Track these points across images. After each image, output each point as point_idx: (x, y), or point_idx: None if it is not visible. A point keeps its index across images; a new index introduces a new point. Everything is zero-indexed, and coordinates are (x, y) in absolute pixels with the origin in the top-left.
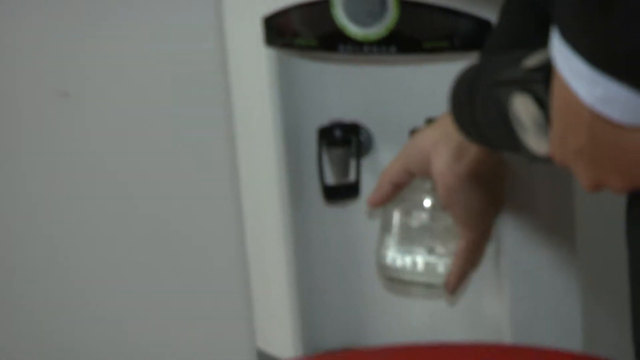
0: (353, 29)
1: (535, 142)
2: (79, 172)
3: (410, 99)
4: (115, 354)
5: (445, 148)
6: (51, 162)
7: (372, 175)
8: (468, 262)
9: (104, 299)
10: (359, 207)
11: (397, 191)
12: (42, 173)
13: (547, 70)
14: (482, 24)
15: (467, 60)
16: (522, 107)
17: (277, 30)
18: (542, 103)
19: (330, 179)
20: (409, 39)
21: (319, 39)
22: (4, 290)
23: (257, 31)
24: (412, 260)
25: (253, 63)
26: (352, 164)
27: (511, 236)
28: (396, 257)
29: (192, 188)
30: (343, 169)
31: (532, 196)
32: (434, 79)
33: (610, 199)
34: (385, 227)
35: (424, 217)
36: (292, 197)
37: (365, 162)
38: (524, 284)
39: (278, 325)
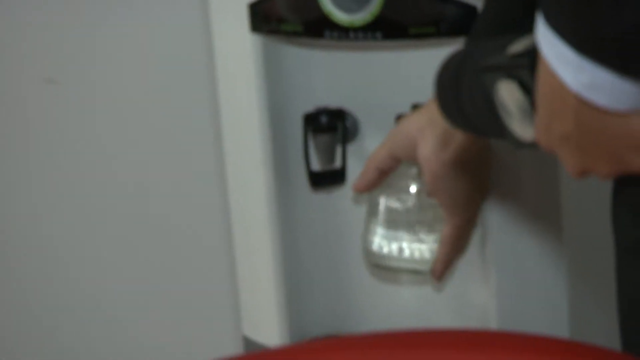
0: (339, 15)
1: (521, 128)
2: (65, 159)
3: (396, 85)
4: (101, 342)
5: (431, 134)
6: (37, 149)
7: (358, 162)
8: (454, 248)
9: (88, 286)
10: (345, 193)
11: (383, 177)
12: (28, 160)
13: (532, 56)
14: (468, 10)
15: (453, 46)
16: (508, 93)
17: (262, 16)
18: (528, 89)
19: (316, 165)
20: (395, 25)
21: (305, 25)
22: None
23: (242, 17)
24: (399, 247)
25: (238, 49)
26: (338, 150)
27: (497, 223)
28: (382, 243)
29: (177, 175)
30: (329, 155)
31: (518, 183)
32: (420, 65)
33: (596, 185)
34: (371, 213)
35: (410, 203)
36: (277, 183)
37: (351, 148)
38: (510, 271)
39: (264, 313)
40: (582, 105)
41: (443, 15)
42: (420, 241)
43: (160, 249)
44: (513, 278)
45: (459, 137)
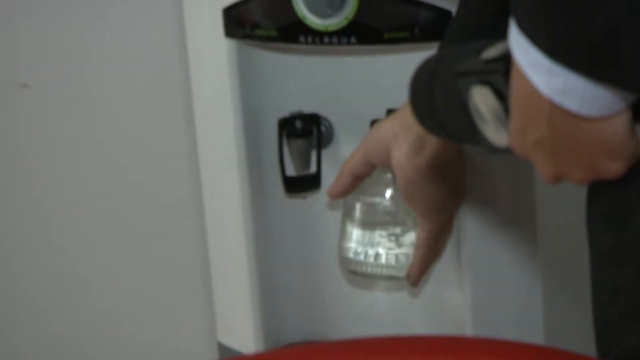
0: (313, 20)
1: (495, 134)
2: (38, 163)
3: (371, 90)
4: (74, 346)
5: (404, 140)
6: (11, 153)
7: (333, 167)
8: (429, 253)
9: (62, 293)
10: (320, 199)
11: (358, 182)
12: (2, 163)
13: (506, 62)
14: (442, 14)
15: (428, 50)
16: (481, 98)
17: (237, 21)
18: (502, 94)
19: (291, 170)
20: (369, 30)
21: (279, 30)
22: None
23: (217, 22)
24: (374, 253)
25: (213, 54)
26: (313, 155)
27: (472, 228)
28: (358, 249)
29: (151, 180)
30: (304, 160)
31: (493, 188)
32: (395, 70)
33: (571, 190)
34: (347, 219)
35: (385, 208)
36: (252, 188)
37: (326, 153)
38: (485, 276)
39: (239, 318)
40: (555, 110)
41: (417, 20)
42: (396, 246)
43: (134, 254)
44: (488, 283)
45: (432, 142)
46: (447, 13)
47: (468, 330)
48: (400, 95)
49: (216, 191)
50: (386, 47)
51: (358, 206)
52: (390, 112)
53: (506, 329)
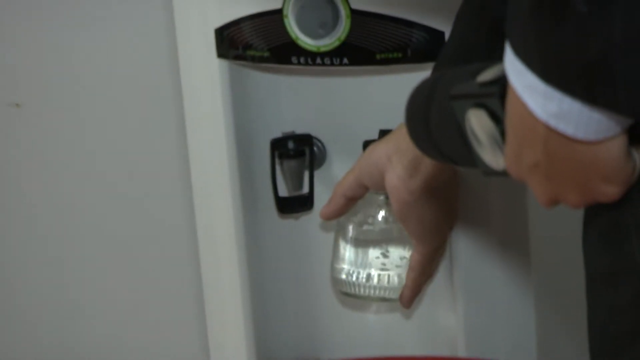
0: (305, 41)
1: (491, 157)
2: (30, 180)
3: (363, 111)
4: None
5: (399, 163)
6: (3, 171)
7: (325, 188)
8: (422, 275)
9: (58, 314)
10: (312, 219)
11: (351, 204)
12: None
13: (502, 85)
14: (435, 35)
15: (421, 71)
16: (477, 121)
17: (229, 41)
18: (497, 117)
19: (284, 191)
20: (362, 51)
21: (271, 51)
22: None
23: (209, 43)
24: (367, 275)
25: (205, 75)
26: (306, 175)
27: (465, 249)
28: (350, 270)
29: (144, 200)
30: (296, 181)
31: (486, 210)
32: (387, 91)
33: (564, 212)
34: (339, 241)
35: (377, 230)
36: (245, 209)
37: (319, 174)
38: (478, 297)
39: (231, 338)
40: (551, 134)
41: (410, 40)
42: (389, 268)
43: (126, 272)
44: (481, 304)
45: (427, 164)
46: (440, 34)
47: (461, 351)
48: (393, 116)
49: (208, 211)
50: (378, 68)
51: (350, 227)
52: (383, 133)
53: (499, 350)
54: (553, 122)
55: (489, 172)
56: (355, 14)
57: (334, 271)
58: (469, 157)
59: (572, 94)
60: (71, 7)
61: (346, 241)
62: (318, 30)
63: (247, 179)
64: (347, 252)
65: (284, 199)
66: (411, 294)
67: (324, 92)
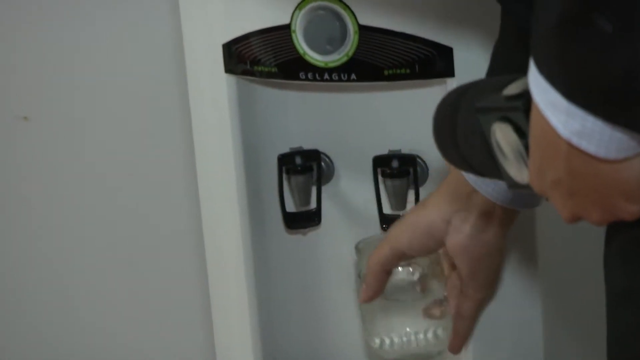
0: (313, 56)
1: (516, 171)
2: (39, 195)
3: (371, 126)
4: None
5: (464, 223)
6: (12, 184)
7: (333, 203)
8: (475, 322)
9: (68, 315)
10: (320, 234)
11: (388, 277)
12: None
13: (527, 98)
14: (443, 51)
15: (428, 87)
16: (502, 135)
17: (236, 57)
18: (522, 132)
19: (291, 206)
20: (370, 67)
21: (279, 66)
22: None
23: (216, 58)
24: (404, 339)
25: (213, 90)
26: (313, 191)
27: None
28: (385, 338)
29: (152, 213)
30: (304, 196)
31: None
32: (395, 106)
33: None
34: (368, 313)
35: (409, 296)
36: (252, 223)
37: (326, 190)
38: (486, 310)
39: (238, 348)
40: (573, 151)
41: (417, 56)
42: (425, 329)
43: (136, 283)
44: (489, 318)
45: (499, 213)
46: (447, 49)
47: (467, 353)
48: (401, 132)
49: (216, 226)
50: (386, 84)
51: (380, 299)
52: (391, 155)
53: (506, 350)
54: (575, 140)
55: (514, 185)
56: (363, 29)
57: (368, 340)
58: (496, 169)
59: (595, 113)
60: (81, 23)
61: (376, 311)
62: (326, 46)
63: (254, 194)
64: (378, 322)
65: (292, 214)
66: (462, 342)
67: (332, 108)
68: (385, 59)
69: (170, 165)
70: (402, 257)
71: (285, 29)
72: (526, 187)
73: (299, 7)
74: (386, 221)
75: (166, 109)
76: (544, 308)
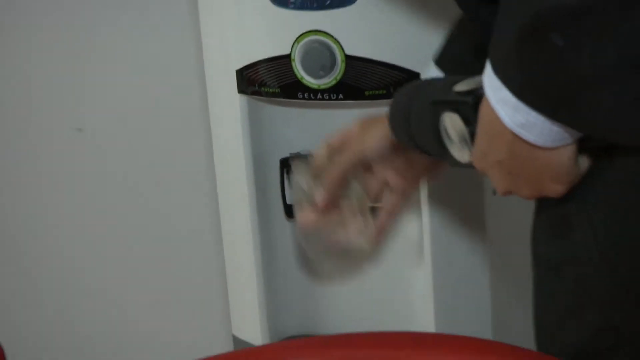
0: (309, 80)
1: (459, 153)
2: (90, 199)
3: None
4: (99, 340)
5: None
6: (66, 189)
7: None
8: (396, 213)
9: (92, 288)
10: None
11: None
12: (57, 198)
13: (474, 95)
14: (413, 75)
15: None
16: (451, 123)
17: (247, 80)
18: (468, 121)
19: (290, 199)
20: (354, 88)
21: (281, 88)
22: None
23: (231, 81)
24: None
25: (228, 107)
26: None
27: (432, 230)
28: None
29: (180, 206)
30: None
31: (451, 194)
32: None
33: (516, 199)
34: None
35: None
36: (260, 213)
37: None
38: (444, 271)
39: (250, 317)
40: (516, 139)
41: (392, 80)
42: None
43: (166, 268)
44: (446, 277)
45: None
46: (416, 74)
47: (431, 327)
48: None
49: (231, 215)
50: (367, 102)
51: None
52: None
53: (462, 326)
54: (519, 130)
55: (455, 163)
56: (349, 58)
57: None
58: (439, 150)
59: (540, 111)
60: (122, 54)
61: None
62: (319, 72)
63: (261, 190)
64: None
65: (290, 206)
66: (384, 234)
67: (323, 121)
68: (366, 82)
69: (195, 166)
70: (363, 163)
71: (286, 58)
72: (465, 165)
73: (297, 40)
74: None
75: (191, 122)
76: (491, 274)
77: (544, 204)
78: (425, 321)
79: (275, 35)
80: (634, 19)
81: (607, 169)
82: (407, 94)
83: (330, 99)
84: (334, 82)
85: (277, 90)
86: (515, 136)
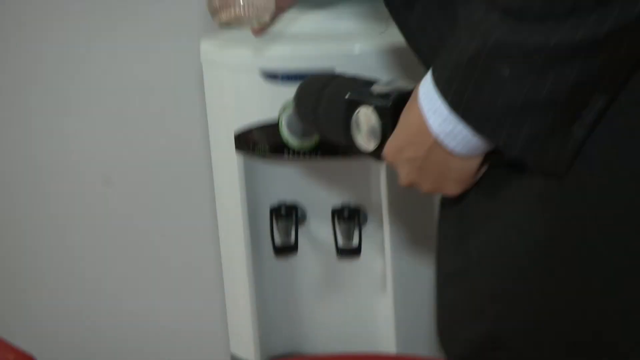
0: (293, 142)
1: (365, 142)
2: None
3: (331, 188)
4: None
5: None
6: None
7: (306, 240)
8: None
9: (98, 306)
10: (297, 259)
11: None
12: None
13: (393, 97)
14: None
15: (361, 160)
16: (365, 118)
17: (244, 142)
18: (382, 118)
19: (278, 241)
20: (330, 149)
21: (271, 148)
22: None
23: (230, 142)
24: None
25: (228, 163)
26: (293, 231)
27: (396, 266)
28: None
29: (188, 246)
30: (286, 234)
31: (411, 230)
32: (346, 173)
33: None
34: None
35: None
36: (253, 252)
37: (301, 230)
38: (406, 302)
39: (245, 336)
40: (436, 144)
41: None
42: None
43: (172, 297)
44: (407, 304)
45: None
46: None
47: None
48: (353, 191)
49: (230, 253)
50: (341, 160)
51: None
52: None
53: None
54: (442, 137)
55: (356, 151)
56: None
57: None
58: (343, 137)
59: (470, 126)
60: (134, 115)
61: None
62: (302, 135)
63: (254, 232)
64: None
65: (278, 246)
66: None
67: (305, 175)
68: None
69: (199, 210)
70: None
71: (275, 125)
72: (367, 154)
73: (284, 109)
74: (340, 252)
75: (197, 177)
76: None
77: (446, 214)
78: (387, 344)
79: (265, 106)
80: (575, 66)
81: (503, 188)
82: (318, 82)
83: (310, 156)
84: (313, 143)
85: (267, 151)
86: (437, 141)
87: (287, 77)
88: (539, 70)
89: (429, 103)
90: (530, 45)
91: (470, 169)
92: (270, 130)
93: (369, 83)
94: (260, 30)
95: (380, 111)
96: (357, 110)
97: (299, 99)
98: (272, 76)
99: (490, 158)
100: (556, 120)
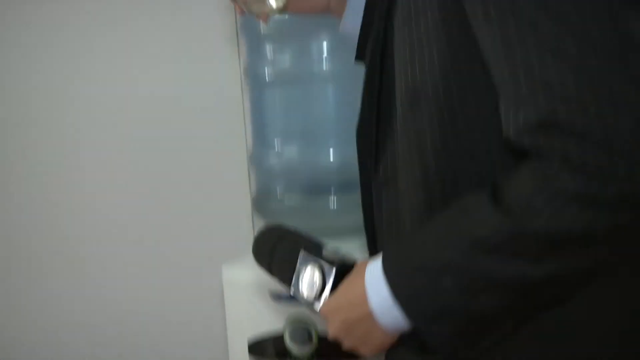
0: (295, 350)
1: (305, 292)
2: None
3: None
4: None
5: None
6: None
7: None
8: None
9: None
10: None
11: None
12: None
13: (337, 266)
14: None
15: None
16: (310, 273)
17: (256, 348)
18: (324, 278)
19: None
20: (325, 353)
21: (277, 354)
22: None
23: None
24: None
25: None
26: None
27: None
28: None
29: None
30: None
31: None
32: None
33: None
34: None
35: None
36: None
37: None
38: None
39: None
40: (370, 315)
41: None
42: None
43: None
44: None
45: None
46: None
47: None
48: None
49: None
50: None
51: None
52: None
53: None
54: (377, 312)
55: (295, 297)
56: (319, 337)
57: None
58: (289, 284)
59: (406, 313)
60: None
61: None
62: (301, 344)
63: None
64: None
65: None
66: None
67: None
68: (334, 351)
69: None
70: None
71: (282, 337)
72: (304, 303)
73: (288, 325)
74: None
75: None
76: None
77: None
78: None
79: (273, 319)
80: (504, 297)
81: None
82: (276, 234)
83: None
84: (311, 350)
85: (274, 356)
86: (372, 314)
87: (288, 298)
88: (480, 292)
89: (374, 282)
90: (475, 274)
91: (388, 341)
92: (277, 341)
93: (319, 246)
94: (266, 17)
95: (324, 272)
96: (306, 264)
97: (258, 247)
98: (278, 297)
99: (405, 336)
100: (473, 330)
